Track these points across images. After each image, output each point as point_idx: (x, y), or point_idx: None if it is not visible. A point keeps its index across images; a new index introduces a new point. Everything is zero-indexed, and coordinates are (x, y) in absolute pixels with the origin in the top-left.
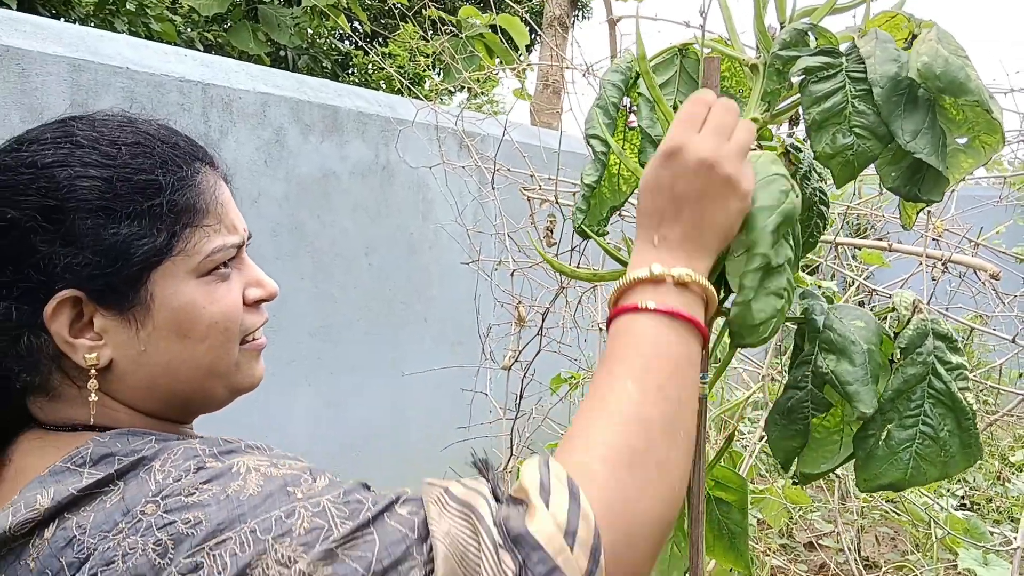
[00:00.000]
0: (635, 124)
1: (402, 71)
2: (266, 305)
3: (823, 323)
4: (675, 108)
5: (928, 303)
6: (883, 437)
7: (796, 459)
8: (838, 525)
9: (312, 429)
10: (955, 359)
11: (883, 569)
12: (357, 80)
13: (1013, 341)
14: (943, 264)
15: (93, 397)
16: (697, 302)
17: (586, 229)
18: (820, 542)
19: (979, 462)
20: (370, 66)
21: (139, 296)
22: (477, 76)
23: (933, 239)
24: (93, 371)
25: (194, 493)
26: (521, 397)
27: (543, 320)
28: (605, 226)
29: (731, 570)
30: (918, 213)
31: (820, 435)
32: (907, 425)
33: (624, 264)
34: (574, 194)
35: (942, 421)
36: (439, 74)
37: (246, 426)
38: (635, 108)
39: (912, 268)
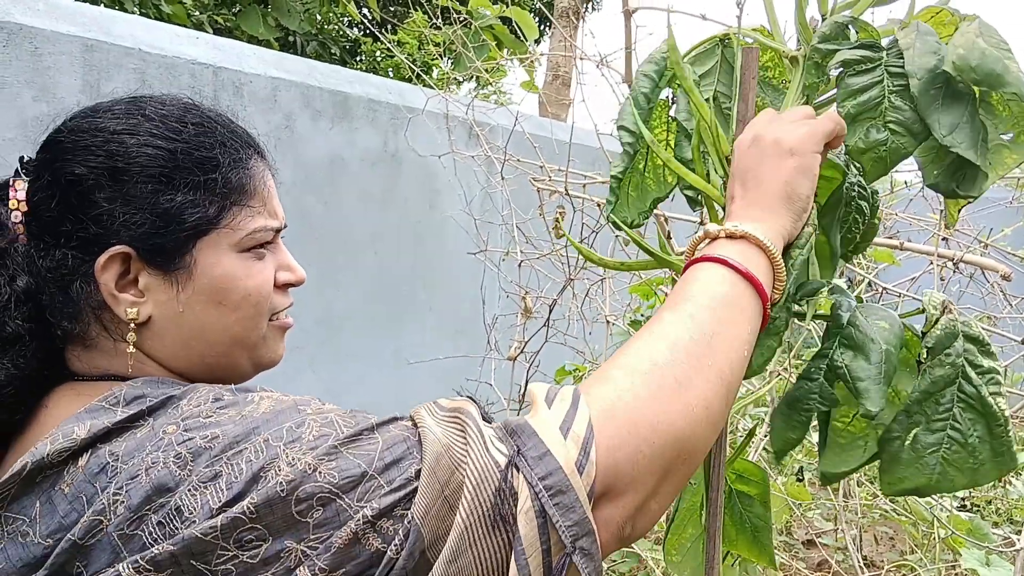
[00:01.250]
0: (674, 116)
1: (411, 59)
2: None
3: (847, 319)
4: (715, 99)
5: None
6: (909, 440)
7: (790, 452)
8: (838, 524)
9: None
10: (987, 363)
11: (884, 569)
12: (365, 67)
13: (1022, 343)
14: (954, 264)
15: (131, 349)
16: (753, 253)
17: (616, 219)
18: (819, 540)
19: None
20: (379, 53)
21: (184, 260)
22: (487, 66)
23: (944, 239)
24: (132, 325)
25: (211, 416)
26: (525, 388)
27: (550, 312)
28: (647, 218)
29: (738, 563)
30: (960, 210)
31: (845, 440)
32: (935, 429)
33: (651, 254)
34: (584, 186)
35: (972, 426)
36: (449, 63)
37: None
38: (676, 99)
39: (921, 267)
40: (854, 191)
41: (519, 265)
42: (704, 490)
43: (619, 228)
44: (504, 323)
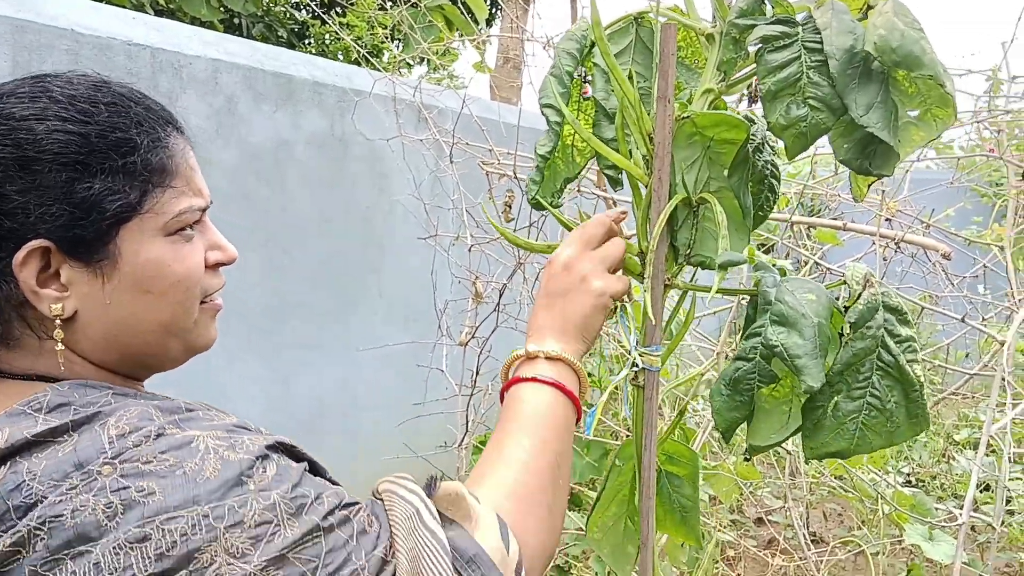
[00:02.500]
0: (590, 94)
1: (360, 42)
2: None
3: (775, 295)
4: (630, 78)
5: (881, 279)
6: (831, 408)
7: (736, 430)
8: (787, 501)
9: (262, 404)
10: (904, 331)
11: (830, 544)
12: (314, 51)
13: (963, 320)
14: (896, 244)
15: (59, 347)
16: (569, 375)
17: (540, 200)
18: (769, 518)
19: (926, 435)
20: (327, 36)
21: (107, 250)
22: (437, 49)
23: (886, 219)
24: (58, 321)
25: (151, 462)
26: (477, 374)
27: (500, 296)
28: (559, 198)
29: (682, 544)
30: (869, 186)
31: (769, 406)
32: (855, 397)
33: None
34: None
35: (889, 392)
36: (398, 46)
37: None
38: (590, 79)
39: (864, 248)
40: (767, 169)
41: (469, 249)
42: (636, 471)
43: (541, 208)
44: (455, 308)
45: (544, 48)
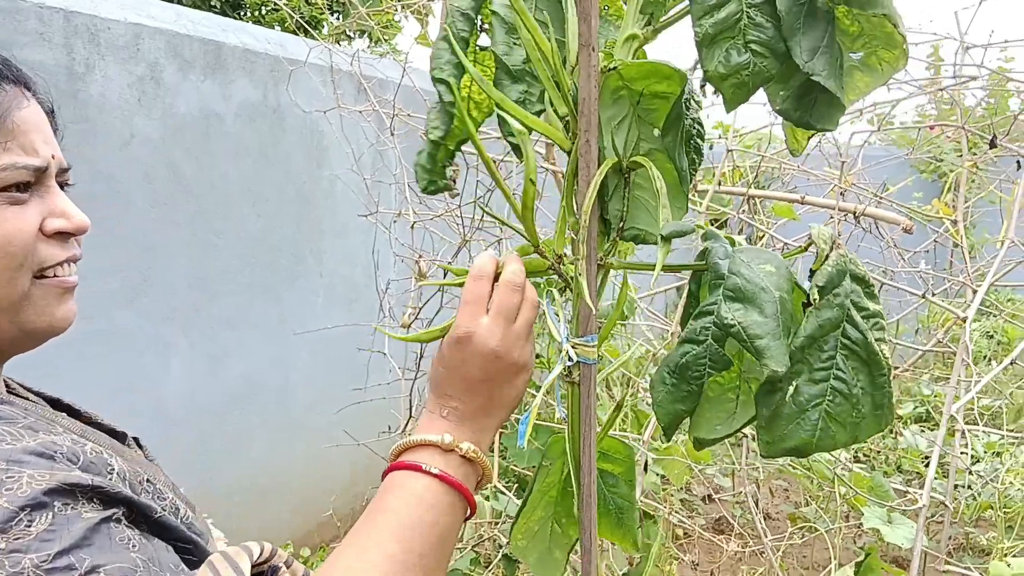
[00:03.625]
0: (487, 46)
1: (298, 13)
2: (137, 252)
3: (728, 267)
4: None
5: None
6: (790, 394)
7: (681, 424)
8: (735, 479)
9: (188, 386)
10: (872, 306)
11: (777, 521)
12: (250, 21)
13: (923, 297)
14: (856, 217)
15: None
16: (474, 476)
17: (436, 187)
18: (718, 496)
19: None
20: (263, 7)
21: None
22: (377, 20)
23: (841, 193)
24: None
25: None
26: (422, 356)
27: (445, 275)
28: (452, 159)
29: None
30: (809, 139)
31: (714, 392)
32: (817, 379)
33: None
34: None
35: (855, 375)
36: (337, 18)
37: (116, 382)
38: (486, 27)
39: (818, 222)
40: (693, 129)
41: (412, 227)
42: (571, 471)
43: (435, 193)
44: (398, 288)
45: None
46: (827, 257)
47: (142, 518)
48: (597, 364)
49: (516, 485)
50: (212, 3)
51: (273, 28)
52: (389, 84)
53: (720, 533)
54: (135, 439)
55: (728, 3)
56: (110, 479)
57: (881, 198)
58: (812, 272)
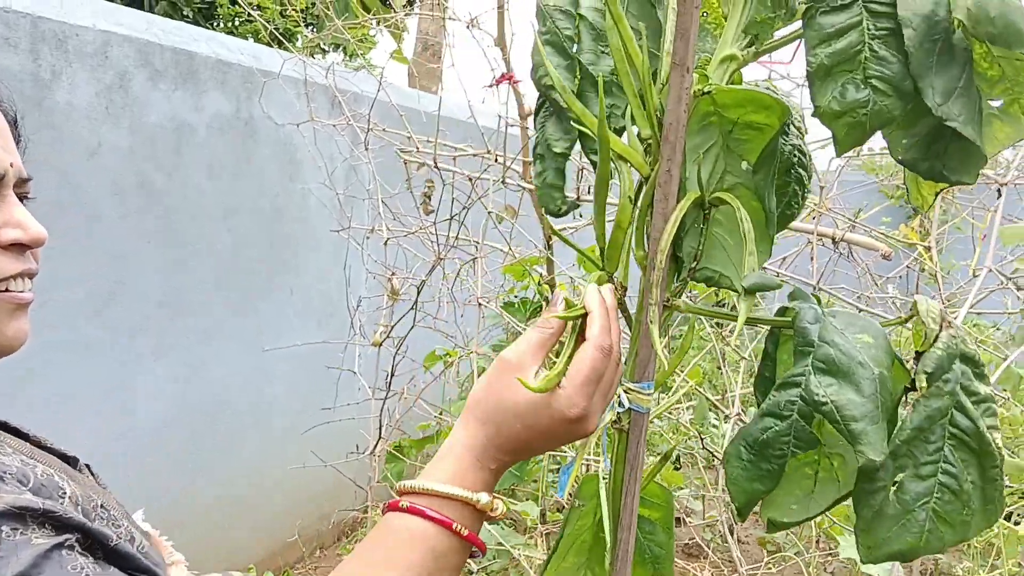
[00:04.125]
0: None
1: (272, 25)
2: (105, 263)
3: (819, 335)
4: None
5: (818, 283)
6: (894, 490)
7: (756, 504)
8: (706, 503)
9: (158, 406)
10: (983, 389)
11: (744, 543)
12: (222, 32)
13: (902, 322)
14: (835, 243)
15: None
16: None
17: (567, 205)
18: (688, 519)
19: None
20: (237, 18)
21: None
22: (353, 34)
23: (814, 217)
24: None
25: None
26: (392, 375)
27: (418, 294)
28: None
29: None
30: (938, 194)
31: (789, 468)
32: (924, 475)
33: (589, 261)
34: (454, 158)
35: (966, 469)
36: (312, 31)
37: (78, 397)
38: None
39: (789, 248)
40: (795, 157)
41: (385, 243)
42: (610, 529)
43: (563, 215)
44: (370, 306)
45: (467, 28)
46: (936, 338)
47: (97, 545)
48: (650, 413)
49: None
50: (184, 12)
51: (247, 39)
52: (364, 98)
53: (691, 558)
54: (86, 465)
55: (849, 32)
56: (62, 503)
57: (855, 223)
58: (918, 354)
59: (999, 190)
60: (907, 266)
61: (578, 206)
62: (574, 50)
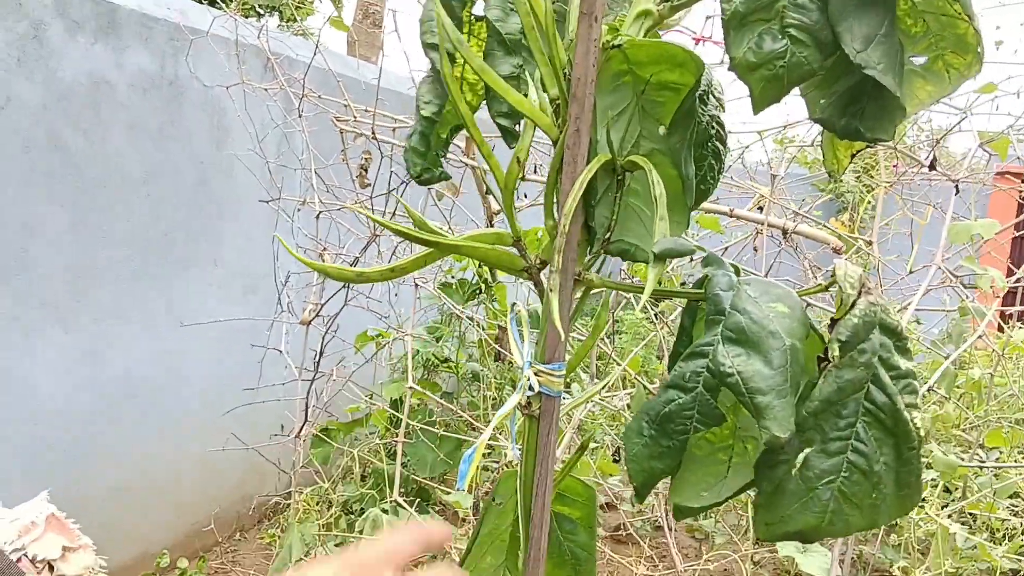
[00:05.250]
0: (482, 14)
1: None
2: (12, 230)
3: (731, 302)
4: None
5: (767, 275)
6: (799, 466)
7: (655, 484)
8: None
9: (64, 382)
10: (903, 364)
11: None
12: None
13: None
14: (784, 234)
15: None
16: None
17: (428, 173)
18: (620, 505)
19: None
20: None
21: None
22: None
23: (758, 208)
24: None
25: None
26: (321, 355)
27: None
28: (445, 153)
29: None
30: (853, 156)
31: (702, 451)
32: (832, 451)
33: (428, 243)
34: (394, 130)
35: (879, 448)
36: None
37: None
38: None
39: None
40: (712, 129)
41: (317, 216)
42: (522, 523)
43: (430, 183)
44: (299, 282)
45: None
46: (854, 304)
47: None
48: (562, 397)
49: (417, 499)
50: None
51: None
52: (299, 63)
53: (620, 544)
54: None
55: None
56: None
57: (802, 215)
58: (833, 320)
59: (956, 187)
60: (837, 254)
61: (448, 177)
62: (478, 13)
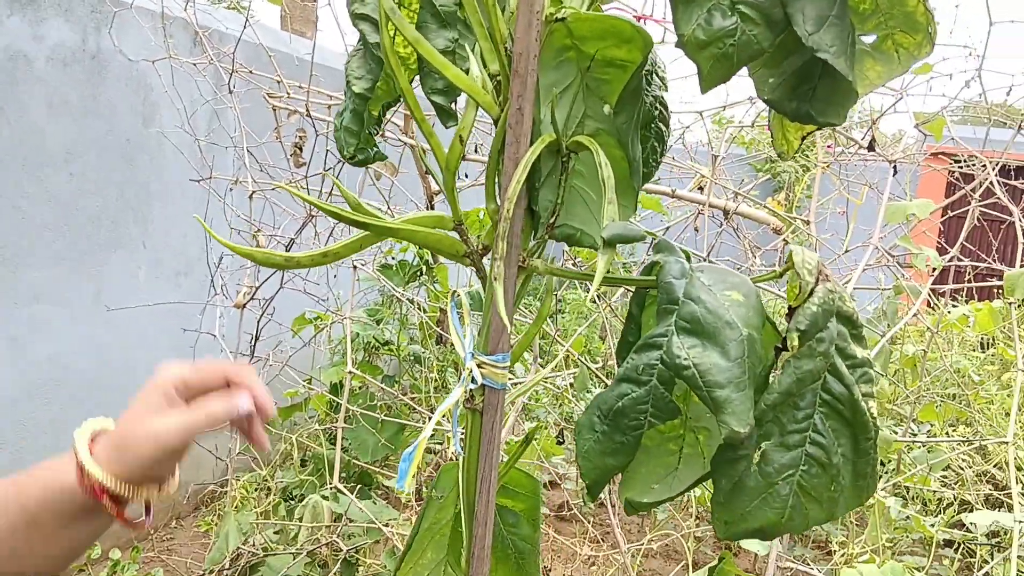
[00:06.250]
0: None
1: None
2: None
3: (684, 291)
4: None
5: (708, 255)
6: (757, 461)
7: (608, 481)
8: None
9: None
10: (860, 352)
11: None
12: None
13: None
14: (725, 215)
15: None
16: None
17: (361, 155)
18: (563, 484)
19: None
20: None
21: None
22: None
23: (699, 188)
24: None
25: None
26: (257, 339)
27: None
28: (380, 131)
29: None
30: (803, 138)
31: (652, 442)
32: (790, 444)
33: (364, 226)
34: (329, 107)
35: (836, 439)
36: None
37: None
38: None
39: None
40: (655, 110)
41: (251, 196)
42: (465, 520)
43: (363, 164)
44: (232, 264)
45: None
46: (812, 292)
47: None
48: (506, 390)
49: (358, 485)
50: None
51: None
52: (229, 37)
53: (564, 521)
54: None
55: None
56: None
57: (742, 195)
58: (791, 309)
59: (894, 167)
60: (784, 240)
61: (384, 157)
62: None
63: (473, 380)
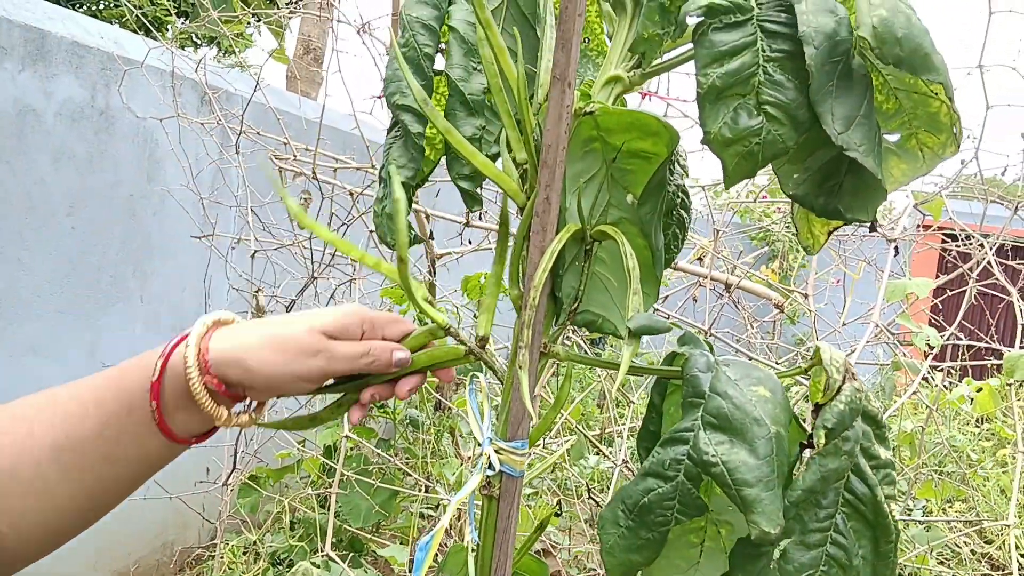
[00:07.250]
0: (441, 69)
1: (140, 11)
2: None
3: (710, 385)
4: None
5: (710, 328)
6: (778, 558)
7: None
8: (571, 535)
9: None
10: (883, 454)
11: None
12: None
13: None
14: (727, 288)
15: None
16: None
17: (398, 242)
18: (555, 553)
19: None
20: (102, 1)
21: None
22: (229, 29)
23: (698, 259)
24: None
25: None
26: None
27: (287, 312)
28: (410, 211)
29: None
30: (830, 233)
31: (673, 535)
32: (811, 543)
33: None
34: (335, 170)
35: (857, 540)
36: (184, 22)
37: None
38: (442, 47)
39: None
40: (678, 198)
41: (253, 255)
42: None
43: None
44: None
45: (359, 33)
46: (839, 390)
47: None
48: (523, 477)
49: (350, 552)
50: None
51: (111, 24)
52: (237, 98)
53: None
54: None
55: (743, 52)
56: None
57: (743, 269)
58: (818, 406)
59: (895, 247)
60: (780, 311)
61: (421, 241)
62: (437, 67)
63: (491, 467)
